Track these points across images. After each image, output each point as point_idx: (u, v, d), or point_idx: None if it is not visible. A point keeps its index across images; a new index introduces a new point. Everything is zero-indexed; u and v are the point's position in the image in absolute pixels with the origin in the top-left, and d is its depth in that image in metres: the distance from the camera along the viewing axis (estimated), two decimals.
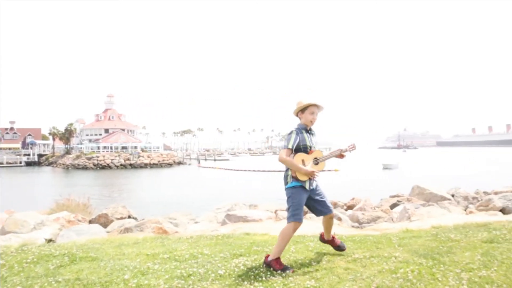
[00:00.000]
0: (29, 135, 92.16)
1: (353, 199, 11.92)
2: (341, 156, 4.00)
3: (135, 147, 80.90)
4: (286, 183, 3.84)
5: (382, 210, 9.35)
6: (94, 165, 71.71)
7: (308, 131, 3.88)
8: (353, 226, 7.86)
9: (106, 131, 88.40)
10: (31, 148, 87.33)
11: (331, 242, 4.23)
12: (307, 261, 3.90)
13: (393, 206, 10.47)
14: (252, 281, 3.35)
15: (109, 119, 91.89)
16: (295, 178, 3.72)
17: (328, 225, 4.14)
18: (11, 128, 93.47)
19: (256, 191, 30.26)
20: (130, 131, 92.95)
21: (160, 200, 25.74)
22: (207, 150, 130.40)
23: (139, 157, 75.57)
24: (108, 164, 72.06)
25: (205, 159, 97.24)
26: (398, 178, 39.64)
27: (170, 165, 76.93)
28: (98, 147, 79.13)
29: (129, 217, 10.23)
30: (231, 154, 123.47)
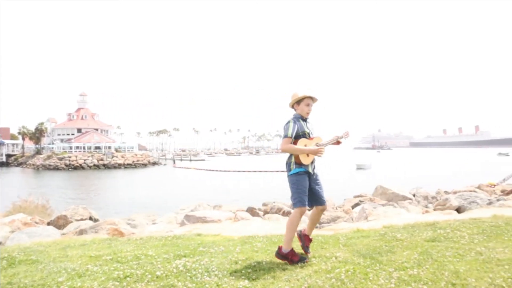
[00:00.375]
0: None
1: None
2: (338, 142, 4.09)
3: (109, 147, 79.31)
4: (289, 170, 3.90)
5: (343, 210, 9.46)
6: (66, 165, 69.86)
7: (304, 119, 3.96)
8: (318, 226, 7.92)
9: (79, 130, 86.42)
10: None
11: (306, 239, 4.16)
12: (248, 262, 3.88)
13: (355, 206, 10.63)
14: (187, 282, 3.32)
15: (82, 118, 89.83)
16: (298, 164, 3.81)
17: (315, 219, 4.19)
18: None
19: (227, 192, 30.22)
20: (104, 130, 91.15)
21: (129, 201, 25.34)
22: (183, 150, 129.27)
23: (112, 157, 74.11)
24: (80, 165, 70.34)
25: (181, 160, 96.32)
26: (370, 178, 40.30)
27: (144, 165, 75.79)
28: (70, 147, 77.19)
29: (90, 218, 9.99)
30: (207, 155, 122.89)
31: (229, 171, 55.60)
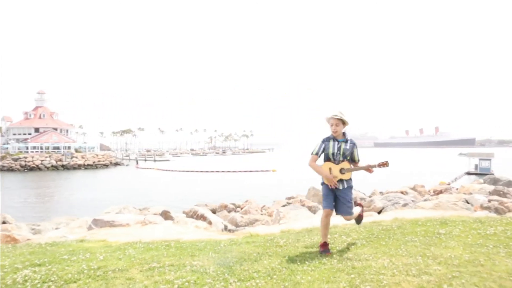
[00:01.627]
0: None
1: (246, 201, 11.93)
2: (369, 170, 4.41)
3: (68, 148, 76.68)
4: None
5: (268, 212, 9.38)
6: (22, 166, 66.84)
7: (336, 139, 4.35)
8: (229, 230, 7.79)
9: (36, 130, 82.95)
10: None
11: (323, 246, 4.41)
12: (98, 271, 3.67)
13: (283, 207, 10.58)
14: None
15: (40, 117, 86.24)
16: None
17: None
18: None
19: (182, 193, 29.75)
20: (64, 130, 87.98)
21: (77, 203, 24.48)
22: (148, 151, 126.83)
23: (72, 158, 71.66)
24: (37, 166, 67.52)
25: (145, 160, 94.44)
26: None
27: (106, 166, 73.77)
28: (27, 148, 73.99)
29: (4, 222, 9.46)
30: (173, 155, 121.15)
31: (191, 171, 54.97)
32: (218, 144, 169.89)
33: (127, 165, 79.11)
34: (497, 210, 8.95)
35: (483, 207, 9.30)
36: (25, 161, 67.78)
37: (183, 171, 56.22)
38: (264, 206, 11.27)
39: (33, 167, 66.91)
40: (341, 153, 4.32)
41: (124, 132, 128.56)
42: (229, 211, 10.95)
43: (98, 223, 7.57)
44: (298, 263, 3.81)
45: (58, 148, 75.46)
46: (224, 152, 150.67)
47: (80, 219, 9.34)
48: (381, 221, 6.18)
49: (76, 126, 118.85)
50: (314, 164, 4.32)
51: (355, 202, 4.86)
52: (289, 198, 12.36)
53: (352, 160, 4.48)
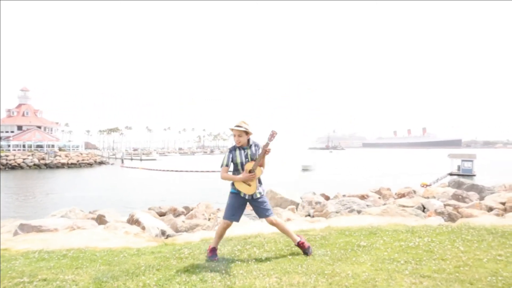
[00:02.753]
0: None
1: (199, 203, 11.52)
2: (267, 151, 4.22)
3: (52, 146, 75.50)
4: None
5: (214, 217, 9.00)
6: (3, 165, 65.48)
7: (241, 148, 4.32)
8: (168, 236, 7.39)
9: (19, 128, 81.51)
10: None
11: (299, 245, 4.41)
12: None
13: None
14: None
15: (23, 115, 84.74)
16: (233, 186, 4.35)
17: (281, 230, 4.45)
18: None
19: (160, 193, 29.26)
20: (48, 128, 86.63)
21: (47, 204, 23.88)
22: (135, 150, 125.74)
23: (55, 156, 70.52)
24: (19, 164, 66.33)
25: (131, 159, 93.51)
26: (310, 180, 40.68)
27: (90, 165, 72.82)
28: (9, 145, 72.68)
29: None
30: (160, 154, 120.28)
31: (175, 171, 54.43)
32: (207, 143, 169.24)
33: (112, 164, 78.23)
34: (450, 216, 8.69)
35: (437, 213, 9.04)
36: (7, 160, 66.52)
37: (167, 170, 55.65)
38: (219, 209, 10.91)
39: (15, 165, 65.72)
40: (249, 159, 4.31)
41: (111, 130, 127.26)
42: (178, 215, 10.55)
43: (24, 228, 7.13)
44: (177, 280, 3.48)
45: (41, 146, 74.25)
46: (212, 151, 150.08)
47: (15, 222, 8.86)
48: (310, 230, 5.83)
49: (62, 124, 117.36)
50: (225, 175, 4.32)
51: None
52: None
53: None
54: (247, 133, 4.30)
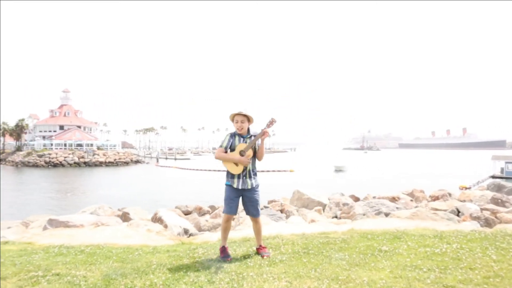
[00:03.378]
0: None
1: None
2: (265, 134, 4.17)
3: (91, 145, 78.33)
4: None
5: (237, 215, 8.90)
6: (46, 162, 68.72)
7: (241, 135, 4.24)
8: (191, 234, 7.37)
9: (61, 127, 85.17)
10: None
11: (258, 250, 4.41)
12: None
13: None
14: None
15: (65, 115, 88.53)
16: (227, 178, 4.31)
17: (255, 230, 4.47)
18: None
19: (192, 192, 29.62)
20: (88, 128, 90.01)
21: (85, 200, 24.69)
22: (170, 149, 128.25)
23: (94, 155, 73.10)
24: (60, 162, 69.28)
25: (166, 158, 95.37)
26: (342, 181, 39.96)
27: (126, 163, 74.90)
28: (51, 144, 76.05)
29: None
30: (194, 153, 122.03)
31: (208, 170, 55.02)
32: None
33: (147, 163, 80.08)
34: (487, 221, 8.17)
35: (472, 217, 8.52)
36: (49, 158, 69.65)
37: (200, 169, 56.33)
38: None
39: (57, 163, 68.70)
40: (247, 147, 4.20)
41: (147, 130, 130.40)
42: (203, 214, 10.54)
43: (53, 223, 7.34)
44: (184, 280, 3.41)
45: (81, 145, 77.20)
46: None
47: (47, 217, 9.14)
48: (332, 232, 5.61)
49: (101, 124, 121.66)
50: (221, 154, 4.23)
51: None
52: (270, 202, 11.82)
53: (254, 152, 4.31)
54: (249, 120, 4.24)
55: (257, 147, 4.26)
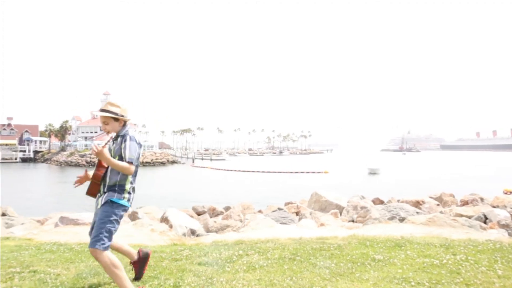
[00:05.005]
0: (26, 131, 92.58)
1: (237, 205, 11.28)
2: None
3: None
4: None
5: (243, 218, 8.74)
6: (87, 162, 71.61)
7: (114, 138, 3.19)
8: (198, 235, 7.29)
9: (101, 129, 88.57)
10: (27, 144, 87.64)
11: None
12: None
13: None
14: None
15: None
16: None
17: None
18: (9, 124, 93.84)
19: (223, 192, 29.73)
20: None
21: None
22: (206, 150, 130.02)
23: None
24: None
25: (202, 159, 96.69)
26: (374, 183, 38.82)
27: (163, 164, 76.64)
28: (91, 145, 79.22)
29: (4, 214, 9.84)
30: (230, 154, 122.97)
31: (242, 171, 55.25)
32: (276, 144, 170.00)
33: (183, 163, 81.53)
34: None
35: (500, 225, 7.90)
36: (90, 158, 72.49)
37: (234, 170, 56.64)
38: (260, 210, 10.63)
39: (96, 162, 71.44)
40: (112, 155, 3.08)
41: (184, 131, 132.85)
42: (216, 215, 10.44)
43: (64, 220, 7.49)
44: (150, 283, 3.32)
45: None
46: (281, 152, 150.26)
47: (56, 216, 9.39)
48: (331, 237, 5.30)
49: (139, 125, 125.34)
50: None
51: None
52: (287, 204, 11.54)
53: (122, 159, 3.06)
54: (115, 119, 3.13)
55: None
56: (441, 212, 9.68)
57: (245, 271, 3.67)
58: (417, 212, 8.61)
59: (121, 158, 3.03)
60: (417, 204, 10.36)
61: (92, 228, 3.08)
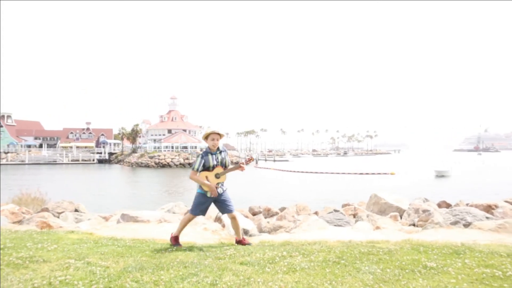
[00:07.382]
0: (102, 135, 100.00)
1: (296, 205, 11.11)
2: (241, 168, 5.18)
3: (195, 147, 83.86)
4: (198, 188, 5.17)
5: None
6: (156, 163, 75.50)
7: (213, 153, 5.05)
8: (251, 235, 7.33)
9: (169, 131, 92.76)
10: (103, 147, 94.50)
11: (240, 242, 5.30)
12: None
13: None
14: None
15: (172, 120, 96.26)
16: (201, 187, 5.09)
17: (233, 225, 5.39)
18: (87, 129, 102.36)
19: (282, 193, 29.74)
20: (192, 131, 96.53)
21: (167, 198, 26.36)
22: (270, 151, 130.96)
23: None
24: (168, 163, 75.49)
25: (265, 160, 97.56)
26: (442, 185, 36.47)
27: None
28: (159, 147, 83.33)
29: (76, 210, 10.62)
30: (294, 155, 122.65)
31: (305, 172, 54.87)
32: (341, 145, 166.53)
33: (247, 164, 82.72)
34: None
35: None
36: (159, 159, 76.41)
37: (297, 171, 56.42)
38: (316, 212, 10.41)
39: (165, 164, 75.04)
40: (219, 162, 5.07)
41: (248, 132, 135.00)
42: (271, 216, 10.39)
43: (125, 217, 7.91)
44: (188, 280, 3.36)
45: (185, 147, 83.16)
46: (345, 153, 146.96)
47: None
48: (382, 241, 5.01)
49: (205, 127, 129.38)
50: (195, 177, 4.98)
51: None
52: (344, 205, 11.16)
53: (224, 166, 5.17)
54: (220, 137, 5.14)
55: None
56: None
57: (285, 273, 3.59)
58: (487, 217, 7.90)
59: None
60: (489, 208, 9.49)
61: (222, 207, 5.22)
